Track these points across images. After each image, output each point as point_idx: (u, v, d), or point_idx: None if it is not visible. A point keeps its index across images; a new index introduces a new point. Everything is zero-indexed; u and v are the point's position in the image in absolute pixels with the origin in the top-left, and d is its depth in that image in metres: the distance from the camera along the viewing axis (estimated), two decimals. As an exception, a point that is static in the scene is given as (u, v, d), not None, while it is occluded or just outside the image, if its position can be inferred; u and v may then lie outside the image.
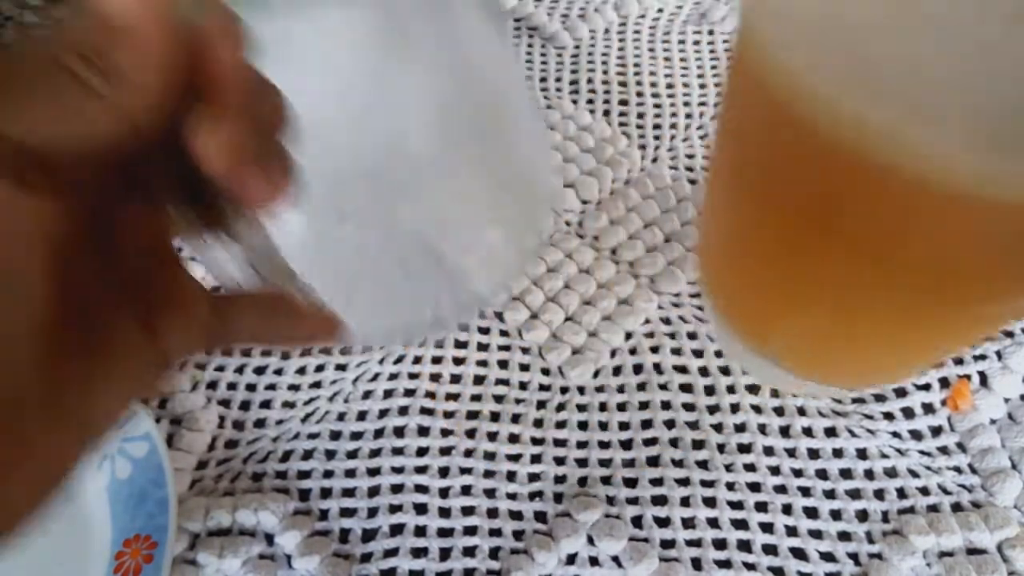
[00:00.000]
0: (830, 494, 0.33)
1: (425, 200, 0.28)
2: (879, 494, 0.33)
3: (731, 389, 0.36)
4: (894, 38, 0.18)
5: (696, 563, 0.31)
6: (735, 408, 0.35)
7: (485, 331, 0.38)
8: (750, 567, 0.31)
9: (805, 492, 0.33)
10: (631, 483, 0.33)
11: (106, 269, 0.16)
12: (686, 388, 0.36)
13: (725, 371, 0.37)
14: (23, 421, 0.14)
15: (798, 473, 0.33)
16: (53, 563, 0.31)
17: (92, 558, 0.31)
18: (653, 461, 0.34)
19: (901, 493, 0.33)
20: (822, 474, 0.33)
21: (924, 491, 0.33)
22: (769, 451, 0.34)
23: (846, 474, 0.33)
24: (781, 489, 0.33)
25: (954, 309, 0.25)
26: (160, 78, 0.15)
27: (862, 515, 0.32)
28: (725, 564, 0.31)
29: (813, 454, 0.34)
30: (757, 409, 0.35)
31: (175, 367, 0.18)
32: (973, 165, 0.18)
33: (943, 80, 0.18)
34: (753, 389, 0.36)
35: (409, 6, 0.25)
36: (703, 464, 0.34)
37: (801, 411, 0.35)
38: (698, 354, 0.37)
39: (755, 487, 0.33)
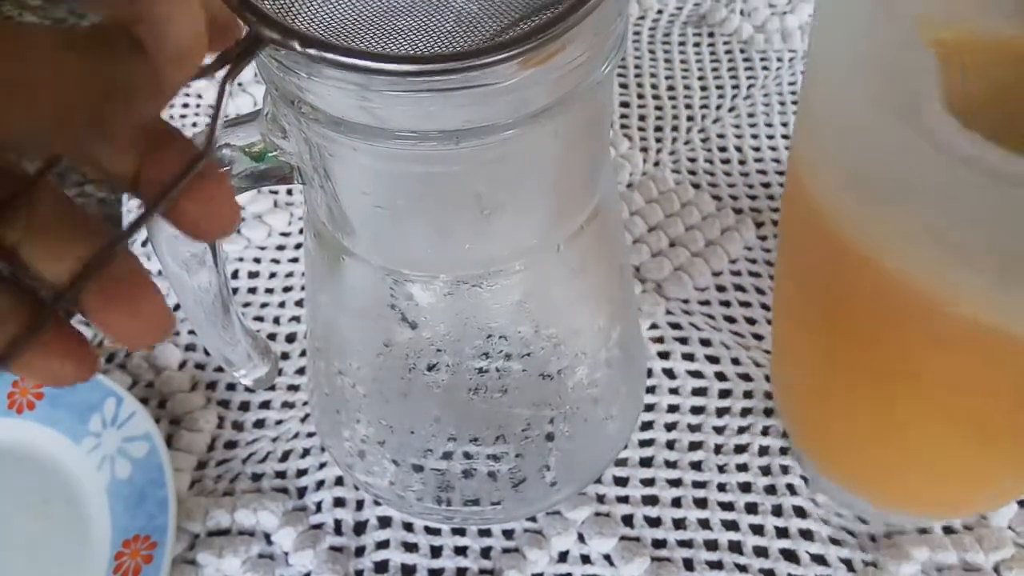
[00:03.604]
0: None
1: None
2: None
3: (748, 395, 0.36)
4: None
5: (688, 563, 0.31)
6: (745, 412, 0.35)
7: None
8: (742, 568, 0.31)
9: (793, 491, 0.33)
10: (621, 482, 0.33)
11: None
12: (699, 392, 0.36)
13: (745, 378, 0.36)
14: None
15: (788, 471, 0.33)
16: (53, 563, 0.32)
17: (92, 558, 0.31)
18: (646, 462, 0.34)
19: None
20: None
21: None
22: (764, 451, 0.34)
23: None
24: (770, 490, 0.33)
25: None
26: None
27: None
28: (717, 565, 0.31)
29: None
30: (768, 412, 0.35)
31: None
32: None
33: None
34: (770, 396, 0.35)
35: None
36: (696, 465, 0.34)
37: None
38: (713, 360, 0.37)
39: (745, 487, 0.33)
